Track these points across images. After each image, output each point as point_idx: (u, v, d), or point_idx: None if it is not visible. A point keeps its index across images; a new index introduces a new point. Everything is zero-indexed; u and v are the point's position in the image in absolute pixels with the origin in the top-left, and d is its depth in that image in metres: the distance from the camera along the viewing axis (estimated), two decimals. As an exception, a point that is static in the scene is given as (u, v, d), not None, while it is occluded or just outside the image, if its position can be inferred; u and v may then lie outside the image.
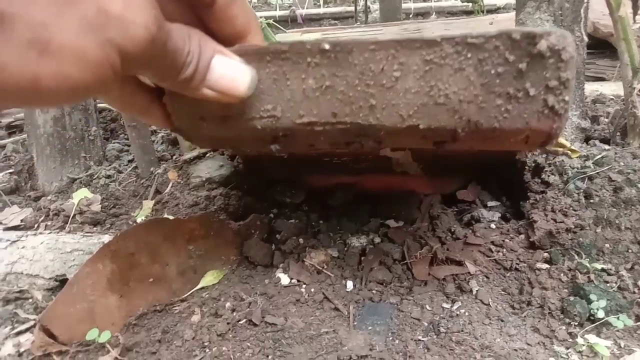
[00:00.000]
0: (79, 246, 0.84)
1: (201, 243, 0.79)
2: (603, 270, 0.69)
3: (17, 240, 0.86)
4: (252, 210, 0.91)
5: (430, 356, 0.61)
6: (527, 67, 0.41)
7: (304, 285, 0.75)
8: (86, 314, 0.67)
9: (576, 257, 0.72)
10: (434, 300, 0.71)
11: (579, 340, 0.62)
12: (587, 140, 0.93)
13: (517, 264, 0.74)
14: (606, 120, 1.10)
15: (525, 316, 0.67)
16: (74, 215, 0.99)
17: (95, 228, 0.97)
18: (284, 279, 0.76)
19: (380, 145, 0.55)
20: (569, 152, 0.83)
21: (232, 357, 0.63)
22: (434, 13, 3.86)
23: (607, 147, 0.86)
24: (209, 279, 0.77)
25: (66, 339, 0.66)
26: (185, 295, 0.74)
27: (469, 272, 0.74)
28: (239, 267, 0.80)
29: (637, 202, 0.73)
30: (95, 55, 0.31)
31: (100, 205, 1.02)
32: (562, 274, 0.70)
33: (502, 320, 0.67)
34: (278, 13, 3.96)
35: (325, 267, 0.79)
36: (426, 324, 0.67)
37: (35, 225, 1.01)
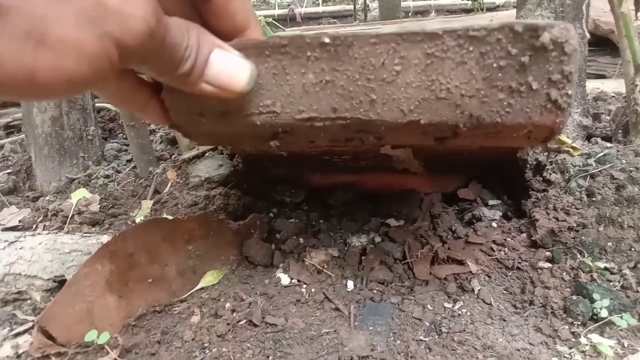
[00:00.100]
0: (78, 247, 0.83)
1: (200, 243, 0.78)
2: (606, 269, 0.69)
3: (15, 241, 0.85)
4: (252, 210, 0.90)
5: (432, 356, 0.61)
6: (529, 60, 0.41)
7: (304, 285, 0.75)
8: (85, 315, 0.67)
9: (579, 255, 0.71)
10: (436, 300, 0.71)
11: (582, 339, 0.61)
12: (588, 138, 0.92)
13: (519, 263, 0.74)
14: (608, 117, 1.09)
15: (527, 316, 0.67)
16: (73, 215, 0.99)
17: (93, 228, 0.97)
18: (284, 279, 0.76)
19: (381, 142, 0.54)
20: (571, 149, 0.82)
21: (232, 358, 0.62)
22: (433, 11, 3.86)
23: (609, 144, 0.85)
24: (209, 279, 0.76)
25: (65, 340, 0.65)
26: (185, 295, 0.74)
27: (470, 272, 0.74)
28: (239, 267, 0.80)
29: (640, 200, 0.72)
30: (93, 48, 0.30)
31: (98, 206, 1.01)
32: (564, 273, 0.70)
33: (504, 320, 0.66)
34: (277, 12, 3.96)
35: (326, 266, 0.78)
36: (428, 324, 0.67)
37: (34, 226, 1.01)
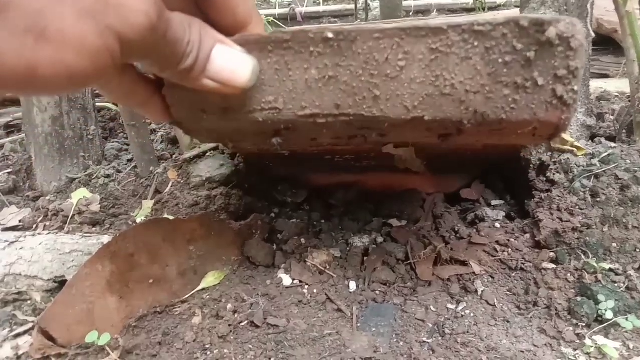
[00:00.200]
0: (78, 247, 0.83)
1: (202, 243, 0.77)
2: (611, 270, 0.68)
3: (15, 241, 0.85)
4: (253, 210, 0.90)
5: (436, 358, 0.60)
6: (535, 55, 0.40)
7: (306, 286, 0.74)
8: (85, 315, 0.66)
9: (583, 256, 0.71)
10: (439, 301, 0.70)
11: (587, 341, 0.61)
12: (592, 138, 0.92)
13: (522, 263, 0.73)
14: (611, 117, 1.08)
15: (531, 317, 0.66)
16: (73, 215, 0.98)
17: (94, 228, 0.96)
18: (286, 280, 0.75)
19: (384, 139, 0.54)
20: (575, 150, 0.82)
21: (233, 359, 0.62)
22: (435, 10, 3.85)
23: (613, 144, 0.85)
24: (210, 279, 0.76)
25: (65, 342, 0.64)
26: (186, 296, 0.73)
27: (473, 272, 0.73)
28: (240, 267, 0.79)
29: (645, 200, 0.72)
30: (94, 42, 0.30)
31: (99, 205, 1.01)
32: (568, 274, 0.69)
33: (508, 322, 0.66)
34: (278, 11, 3.95)
35: (328, 267, 0.78)
36: (431, 325, 0.66)
37: (34, 226, 1.00)
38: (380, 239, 0.84)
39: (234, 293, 0.73)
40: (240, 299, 0.71)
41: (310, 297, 0.72)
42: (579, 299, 0.65)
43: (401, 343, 0.64)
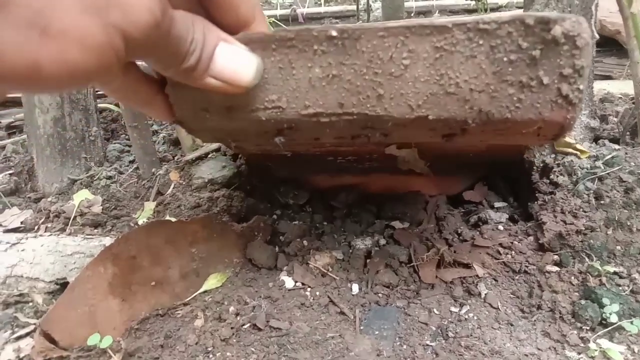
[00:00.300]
0: (80, 249, 0.83)
1: (204, 245, 0.77)
2: (615, 273, 0.68)
3: (17, 243, 0.85)
4: (256, 212, 0.89)
5: (439, 362, 0.60)
6: (540, 54, 0.40)
7: (308, 289, 0.74)
8: (87, 318, 0.66)
9: (587, 259, 0.70)
10: (442, 304, 0.70)
11: (592, 345, 0.60)
12: (596, 140, 0.91)
13: (526, 266, 0.73)
14: (615, 119, 1.08)
15: (535, 320, 0.66)
16: (75, 217, 0.98)
17: (96, 230, 0.96)
18: (289, 282, 0.75)
19: (387, 139, 0.53)
20: (578, 152, 0.81)
21: (236, 362, 0.62)
22: (437, 12, 3.85)
23: (616, 147, 0.84)
24: (212, 282, 0.75)
25: (67, 344, 0.64)
26: (188, 299, 0.73)
27: (477, 275, 0.73)
28: (243, 269, 0.79)
29: (649, 203, 0.71)
30: (98, 38, 0.30)
31: (101, 207, 1.01)
32: (572, 277, 0.69)
33: (512, 325, 0.65)
34: (279, 12, 3.95)
35: (330, 269, 0.77)
36: (434, 329, 0.66)
37: (36, 227, 1.00)
38: (382, 241, 0.83)
39: (236, 295, 0.72)
40: (242, 301, 0.71)
41: (313, 299, 0.72)
42: (583, 302, 0.65)
43: (404, 346, 0.63)
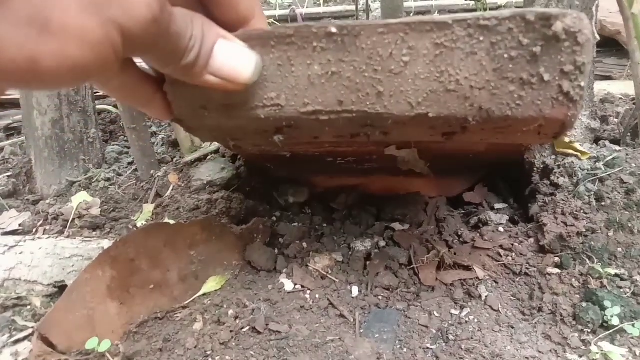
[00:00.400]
0: (78, 251, 0.82)
1: (203, 248, 0.77)
2: (616, 275, 0.68)
3: (15, 246, 0.84)
4: (255, 214, 0.89)
5: (440, 365, 0.60)
6: (541, 50, 0.39)
7: (308, 291, 0.74)
8: (86, 321, 0.66)
9: (588, 261, 0.70)
10: (442, 307, 0.69)
11: (593, 348, 0.60)
12: (596, 141, 0.91)
13: (527, 268, 0.73)
14: (616, 120, 1.08)
15: (536, 323, 0.65)
16: (73, 219, 0.98)
17: (94, 232, 0.96)
18: (288, 285, 0.75)
19: (387, 138, 0.53)
20: (579, 153, 0.81)
21: (235, 366, 0.61)
22: (436, 12, 3.85)
23: (617, 148, 0.84)
24: (211, 285, 0.75)
25: (65, 348, 0.64)
26: (187, 302, 0.72)
27: (477, 277, 0.73)
28: (242, 272, 0.79)
29: (650, 204, 0.71)
30: (96, 34, 0.30)
31: (99, 209, 1.00)
32: (573, 279, 0.69)
33: (513, 327, 0.65)
34: (278, 12, 3.94)
35: (330, 272, 0.77)
36: (435, 331, 0.66)
37: (34, 230, 1.00)
38: (382, 243, 0.83)
39: (236, 298, 0.72)
40: (241, 304, 0.71)
41: (313, 302, 0.72)
42: (584, 304, 0.64)
43: (404, 349, 0.63)
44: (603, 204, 0.74)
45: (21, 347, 0.71)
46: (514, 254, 0.75)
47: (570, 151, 0.81)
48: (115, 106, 1.38)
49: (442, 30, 0.41)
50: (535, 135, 0.48)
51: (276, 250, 0.82)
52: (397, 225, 0.87)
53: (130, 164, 1.20)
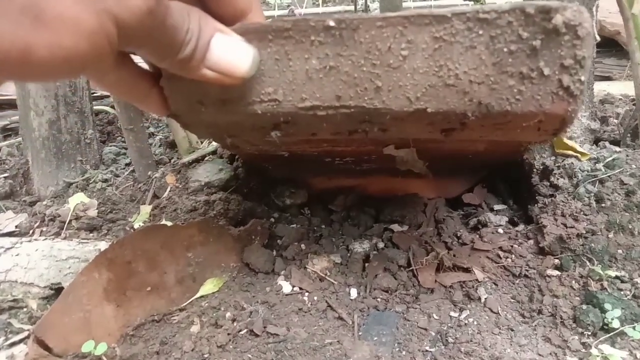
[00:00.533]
0: (75, 253, 0.82)
1: (200, 250, 0.76)
2: (617, 277, 0.67)
3: (11, 247, 0.84)
4: (253, 215, 0.88)
5: (439, 368, 0.59)
6: (541, 44, 0.39)
7: (306, 293, 0.73)
8: (82, 324, 0.65)
9: (588, 263, 0.70)
10: (441, 309, 0.69)
11: (593, 350, 0.60)
12: (596, 142, 0.91)
13: (526, 270, 0.72)
14: (615, 121, 1.07)
15: (536, 325, 0.65)
16: (70, 220, 0.97)
17: (91, 234, 0.95)
18: (286, 287, 0.74)
19: (385, 135, 0.53)
20: (579, 154, 0.80)
21: (232, 370, 0.61)
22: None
23: (617, 149, 0.83)
24: (209, 287, 0.74)
25: (61, 351, 0.63)
26: (184, 304, 0.72)
27: (476, 279, 0.72)
28: (240, 274, 0.78)
29: (651, 206, 0.71)
30: (91, 24, 0.29)
31: (96, 211, 1.00)
32: (573, 281, 0.68)
33: (512, 330, 0.65)
34: (277, 13, 3.94)
35: (328, 274, 0.76)
36: (434, 334, 0.65)
37: (31, 231, 0.99)
38: (381, 245, 0.83)
39: (233, 301, 0.71)
40: (239, 306, 0.70)
41: (311, 304, 0.71)
42: (584, 307, 0.64)
43: (403, 352, 0.62)
44: (603, 205, 0.73)
45: (17, 350, 0.70)
46: (513, 256, 0.75)
47: (570, 152, 0.81)
48: (112, 107, 1.37)
49: (441, 23, 0.40)
50: (535, 131, 0.47)
51: (274, 252, 0.82)
52: (395, 227, 0.86)
53: (127, 165, 1.20)
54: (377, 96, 0.44)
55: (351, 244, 0.82)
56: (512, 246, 0.76)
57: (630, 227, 0.70)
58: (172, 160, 1.16)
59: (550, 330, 0.64)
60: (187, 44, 0.37)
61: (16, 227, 1.00)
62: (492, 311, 0.68)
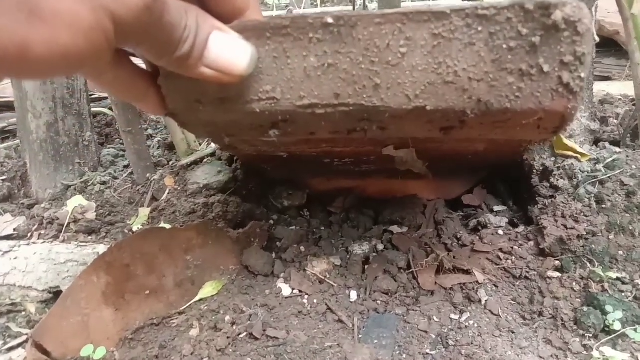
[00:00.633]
0: (73, 257, 0.81)
1: (199, 253, 0.76)
2: (617, 279, 0.67)
3: (9, 251, 0.83)
4: (252, 217, 0.88)
5: (440, 371, 0.59)
6: (540, 40, 0.39)
7: (306, 296, 0.73)
8: (80, 328, 0.65)
9: (588, 265, 0.69)
10: (442, 311, 0.69)
11: (595, 353, 0.59)
12: (596, 142, 0.90)
13: (527, 272, 0.72)
14: (615, 121, 1.07)
15: (536, 327, 0.65)
16: (69, 223, 0.96)
17: (90, 237, 0.94)
18: (285, 290, 0.74)
19: (384, 133, 0.52)
20: (578, 155, 0.80)
21: (232, 374, 0.60)
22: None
23: (617, 149, 0.83)
24: (208, 290, 0.74)
25: (60, 355, 0.63)
26: (183, 307, 0.72)
27: (477, 281, 0.72)
28: (239, 277, 0.78)
29: (651, 207, 0.70)
30: (88, 20, 0.29)
31: (95, 213, 0.99)
32: (574, 283, 0.68)
33: (513, 332, 0.64)
34: (275, 14, 3.94)
35: (328, 276, 0.76)
36: (434, 337, 0.65)
37: (29, 234, 0.98)
38: (380, 246, 0.82)
39: (232, 304, 0.71)
40: (238, 310, 0.70)
41: (311, 307, 0.71)
42: (585, 309, 0.64)
43: (404, 355, 0.62)
44: (603, 206, 0.73)
45: (15, 355, 0.70)
46: (513, 257, 0.74)
47: (570, 153, 0.81)
48: (110, 109, 1.37)
49: (440, 20, 0.40)
50: (534, 129, 0.47)
51: (273, 255, 0.81)
52: (395, 228, 0.86)
53: (126, 167, 1.19)
54: (376, 94, 0.44)
55: (351, 246, 0.82)
56: (512, 248, 0.76)
57: (630, 228, 0.70)
58: (171, 163, 1.16)
59: (551, 333, 0.64)
60: (185, 42, 0.37)
61: (14, 230, 0.99)
62: (492, 313, 0.67)
